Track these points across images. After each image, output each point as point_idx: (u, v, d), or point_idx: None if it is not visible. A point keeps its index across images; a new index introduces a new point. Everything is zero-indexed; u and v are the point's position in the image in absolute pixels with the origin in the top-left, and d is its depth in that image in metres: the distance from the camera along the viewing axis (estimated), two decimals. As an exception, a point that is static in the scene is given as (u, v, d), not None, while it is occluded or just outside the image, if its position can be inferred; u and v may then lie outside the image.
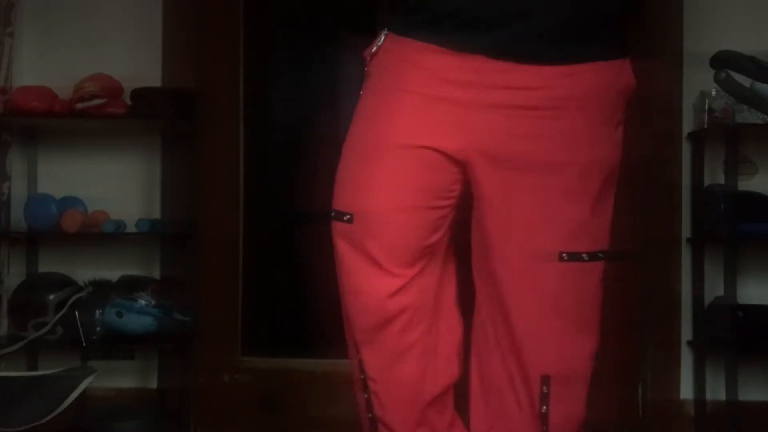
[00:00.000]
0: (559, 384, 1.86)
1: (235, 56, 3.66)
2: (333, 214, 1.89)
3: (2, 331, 3.49)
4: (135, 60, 3.51)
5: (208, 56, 3.59)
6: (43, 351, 3.47)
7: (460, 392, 1.92)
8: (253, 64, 3.70)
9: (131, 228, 3.42)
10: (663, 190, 3.51)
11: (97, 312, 3.32)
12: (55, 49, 3.56)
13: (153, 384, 3.47)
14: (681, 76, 3.47)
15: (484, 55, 1.75)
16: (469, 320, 1.90)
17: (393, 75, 1.82)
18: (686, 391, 3.49)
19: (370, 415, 1.84)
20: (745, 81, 1.97)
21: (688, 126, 3.49)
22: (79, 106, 3.35)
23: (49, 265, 3.55)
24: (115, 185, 3.53)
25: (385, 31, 1.88)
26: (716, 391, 3.38)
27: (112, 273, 3.43)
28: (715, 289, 3.38)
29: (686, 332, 3.50)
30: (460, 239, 1.89)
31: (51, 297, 3.34)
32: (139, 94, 3.40)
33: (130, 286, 3.37)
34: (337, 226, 1.88)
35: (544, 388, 1.84)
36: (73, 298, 3.32)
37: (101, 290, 3.36)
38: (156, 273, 3.41)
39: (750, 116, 3.25)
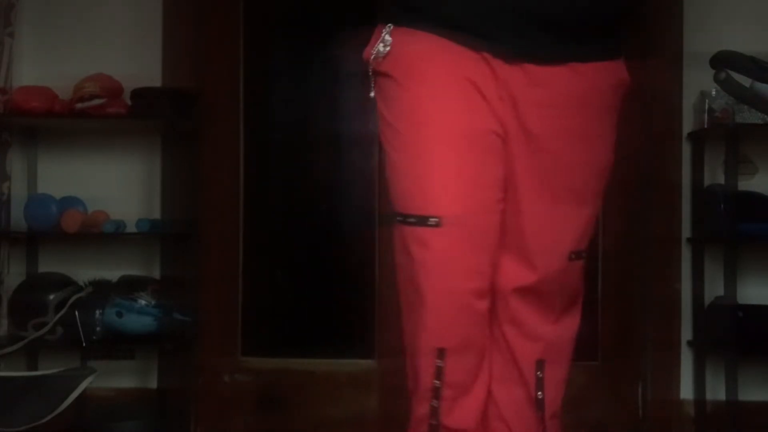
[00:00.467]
0: (551, 368, 1.90)
1: (235, 56, 3.66)
2: (412, 219, 1.77)
3: (2, 331, 3.49)
4: (135, 60, 3.51)
5: (208, 56, 3.59)
6: (43, 351, 3.47)
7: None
8: (253, 64, 3.70)
9: (131, 228, 3.42)
10: (663, 190, 3.51)
11: (97, 312, 3.32)
12: (55, 49, 3.56)
13: (153, 384, 3.47)
14: (681, 76, 3.47)
15: (491, 54, 1.78)
16: None
17: (427, 66, 1.79)
18: (686, 391, 3.49)
19: (434, 422, 1.81)
20: (745, 81, 1.97)
21: (688, 126, 3.49)
22: (79, 106, 3.35)
23: (49, 265, 3.55)
24: (115, 185, 3.53)
25: (390, 27, 1.84)
26: (716, 391, 3.38)
27: (112, 273, 3.43)
28: (715, 289, 3.38)
29: (686, 332, 3.50)
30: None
31: (51, 297, 3.34)
32: (139, 94, 3.40)
33: (130, 286, 3.37)
34: (416, 231, 1.77)
35: (539, 372, 1.87)
36: (73, 298, 3.32)
37: (101, 290, 3.36)
38: (156, 273, 3.41)
39: (750, 116, 3.25)
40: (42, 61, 3.55)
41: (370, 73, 1.87)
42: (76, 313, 3.30)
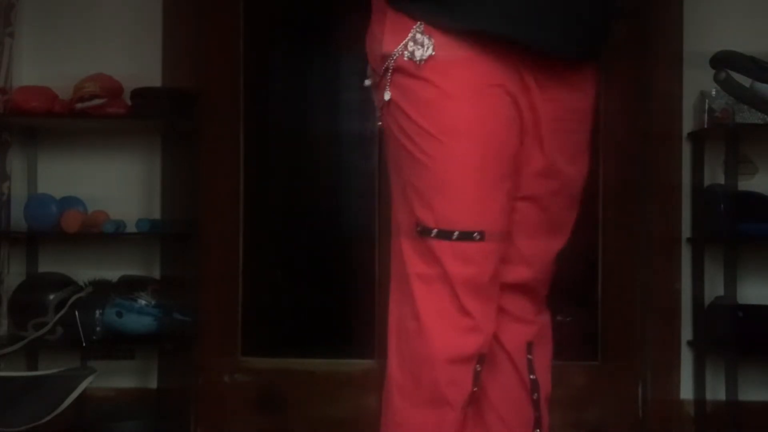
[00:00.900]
0: (539, 350, 1.95)
1: (235, 56, 3.66)
2: (455, 234, 1.71)
3: (2, 331, 3.49)
4: (135, 60, 3.51)
5: (208, 56, 3.59)
6: (43, 351, 3.47)
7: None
8: (253, 64, 3.70)
9: (131, 228, 3.42)
10: (663, 190, 3.51)
11: (97, 312, 3.32)
12: (55, 49, 3.56)
13: (153, 384, 3.47)
14: (681, 76, 3.47)
15: (525, 56, 1.76)
16: None
17: (471, 75, 1.73)
18: (686, 391, 3.49)
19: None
20: (745, 81, 1.97)
21: (688, 126, 3.49)
22: (79, 106, 3.35)
23: (49, 265, 3.55)
24: (115, 185, 3.53)
25: (421, 25, 1.73)
26: (716, 391, 3.38)
27: (112, 273, 3.43)
28: (715, 289, 3.38)
29: (686, 332, 3.50)
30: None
31: (51, 297, 3.34)
32: (139, 94, 3.40)
33: (130, 286, 3.38)
34: (458, 246, 1.72)
35: (529, 355, 1.91)
36: (73, 298, 3.32)
37: (101, 290, 3.36)
38: (156, 273, 3.41)
39: (750, 116, 3.25)
40: (42, 61, 3.55)
41: (389, 70, 1.76)
42: (76, 313, 3.30)
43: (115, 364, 3.42)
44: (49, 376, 3.13)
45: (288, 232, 3.89)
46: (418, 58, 1.72)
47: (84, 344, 3.30)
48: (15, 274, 3.52)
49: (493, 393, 1.86)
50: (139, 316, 3.31)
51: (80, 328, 3.28)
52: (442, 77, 1.73)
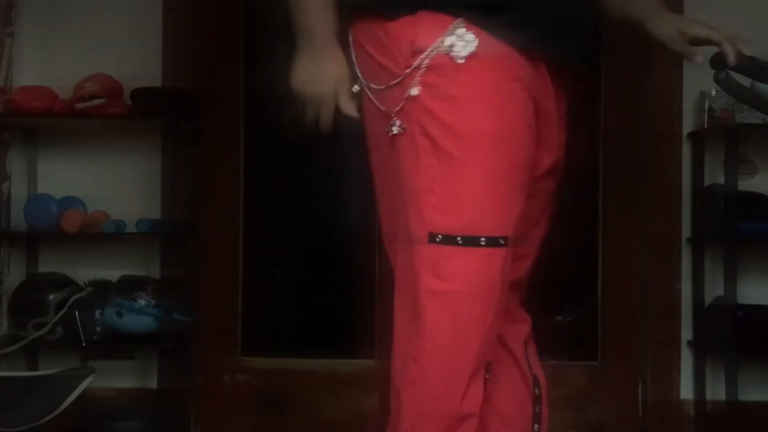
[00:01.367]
0: (531, 344, 1.96)
1: (235, 56, 3.66)
2: (483, 240, 1.67)
3: (2, 331, 3.49)
4: (135, 60, 3.51)
5: (208, 56, 3.59)
6: (43, 351, 3.47)
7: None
8: (253, 64, 3.70)
9: (131, 228, 3.42)
10: (663, 190, 3.51)
11: (97, 312, 3.32)
12: (55, 49, 3.56)
13: (153, 384, 3.47)
14: (681, 76, 3.47)
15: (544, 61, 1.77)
16: None
17: (506, 77, 1.72)
18: (686, 391, 3.49)
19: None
20: (745, 81, 1.97)
21: (688, 126, 3.49)
22: (79, 106, 3.35)
23: (49, 265, 3.55)
24: (115, 185, 3.53)
25: (461, 24, 1.69)
26: (716, 391, 3.38)
27: (112, 273, 3.43)
28: (715, 289, 3.38)
29: (686, 332, 3.50)
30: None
31: (51, 297, 3.34)
32: (139, 94, 3.40)
33: (130, 286, 3.37)
34: (482, 252, 1.68)
35: (526, 352, 1.92)
36: (73, 298, 3.32)
37: (101, 290, 3.36)
38: (156, 273, 3.41)
39: (750, 116, 3.25)
40: (42, 61, 3.55)
41: (421, 68, 1.71)
42: (76, 313, 3.30)
43: (115, 364, 3.42)
44: (49, 376, 3.13)
45: (288, 232, 3.89)
46: (460, 54, 1.68)
47: (84, 344, 3.29)
48: (15, 274, 3.52)
49: (497, 393, 1.84)
50: (139, 316, 3.31)
51: (80, 328, 3.28)
52: (484, 74, 1.69)
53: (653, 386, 3.51)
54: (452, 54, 1.68)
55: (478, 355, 1.70)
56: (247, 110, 3.68)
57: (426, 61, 1.70)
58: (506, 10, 1.70)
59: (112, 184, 3.52)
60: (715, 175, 3.45)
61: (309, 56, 1.79)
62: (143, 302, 3.32)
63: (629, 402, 3.53)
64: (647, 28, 1.86)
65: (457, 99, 1.69)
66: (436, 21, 1.71)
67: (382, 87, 1.78)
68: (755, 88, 1.89)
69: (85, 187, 3.50)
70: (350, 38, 1.86)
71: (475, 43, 1.68)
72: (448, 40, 1.69)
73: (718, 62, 1.89)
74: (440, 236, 1.67)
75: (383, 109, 1.78)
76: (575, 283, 3.69)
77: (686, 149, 3.49)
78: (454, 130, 1.68)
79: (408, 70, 1.71)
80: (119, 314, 3.31)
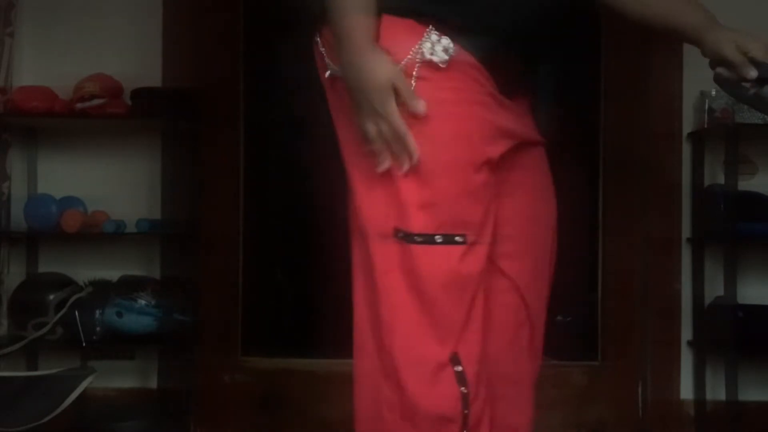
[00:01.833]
0: None
1: (235, 56, 3.66)
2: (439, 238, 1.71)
3: (2, 331, 3.49)
4: (135, 60, 3.51)
5: (208, 56, 3.59)
6: (43, 351, 3.47)
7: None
8: (253, 64, 3.70)
9: (131, 228, 3.42)
10: (663, 190, 3.51)
11: (97, 312, 3.32)
12: (55, 49, 3.56)
13: (153, 384, 3.47)
14: (681, 76, 3.47)
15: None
16: None
17: (470, 82, 1.73)
18: (686, 391, 3.49)
19: (466, 411, 1.77)
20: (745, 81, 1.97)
21: (688, 126, 3.49)
22: (79, 106, 3.35)
23: (49, 265, 3.55)
24: (115, 185, 3.53)
25: (433, 31, 1.70)
26: (716, 391, 3.38)
27: (112, 273, 3.43)
28: (715, 289, 3.38)
29: (686, 332, 3.50)
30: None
31: (51, 297, 3.34)
32: (139, 94, 3.40)
33: (130, 286, 3.37)
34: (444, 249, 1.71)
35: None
36: (73, 298, 3.32)
37: (101, 290, 3.36)
38: (156, 273, 3.41)
39: (750, 116, 3.25)
40: (42, 61, 3.55)
41: (414, 76, 1.70)
42: (76, 313, 3.30)
43: (115, 364, 3.42)
44: (49, 376, 3.13)
45: (288, 232, 3.89)
46: (442, 60, 1.69)
47: (84, 344, 3.29)
48: (15, 274, 3.53)
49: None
50: (139, 316, 3.31)
51: (80, 328, 3.28)
52: (455, 83, 1.71)
53: (653, 386, 3.51)
54: (433, 59, 1.70)
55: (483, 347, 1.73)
56: (247, 110, 3.68)
57: (415, 69, 1.70)
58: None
59: (112, 184, 3.52)
60: (715, 175, 3.45)
61: (355, 60, 1.70)
62: (143, 302, 3.32)
63: (629, 402, 3.53)
64: (704, 47, 1.80)
65: (438, 102, 1.70)
66: (407, 26, 1.71)
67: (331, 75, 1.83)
68: (755, 88, 1.89)
69: (85, 187, 3.50)
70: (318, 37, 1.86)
71: (452, 44, 1.70)
72: (439, 49, 1.70)
73: (718, 62, 1.89)
74: (402, 233, 1.71)
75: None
76: (575, 283, 3.69)
77: (686, 149, 3.49)
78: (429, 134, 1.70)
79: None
80: (119, 314, 3.31)
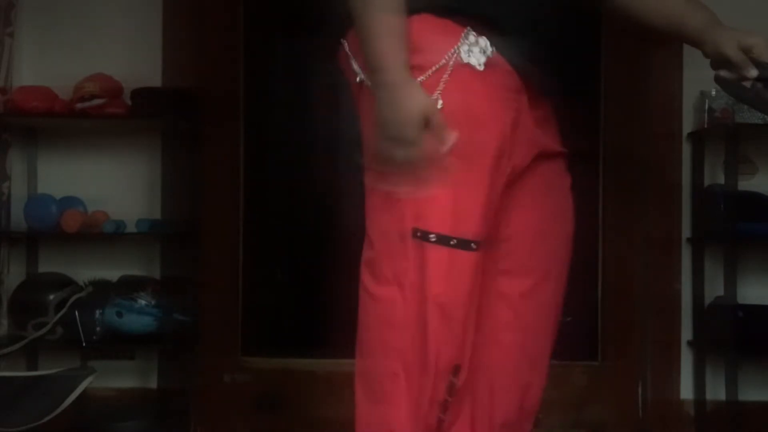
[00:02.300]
0: None
1: (235, 56, 3.66)
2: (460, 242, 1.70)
3: (2, 331, 3.49)
4: (135, 60, 3.51)
5: (208, 56, 3.59)
6: (43, 351, 3.47)
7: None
8: (253, 64, 3.70)
9: (131, 228, 3.42)
10: (663, 190, 3.51)
11: (97, 312, 3.32)
12: (55, 49, 3.56)
13: (153, 384, 3.47)
14: (681, 76, 3.47)
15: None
16: None
17: (497, 85, 1.71)
18: (686, 391, 3.49)
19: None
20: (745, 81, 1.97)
21: (688, 126, 3.49)
22: (79, 106, 3.35)
23: (49, 265, 3.55)
24: (115, 185, 3.53)
25: (471, 32, 1.68)
26: (716, 391, 3.38)
27: (112, 273, 3.44)
28: (715, 289, 3.38)
29: (686, 332, 3.50)
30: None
31: (51, 297, 3.34)
32: (139, 94, 3.40)
33: (130, 286, 3.38)
34: (461, 254, 1.71)
35: None
36: (73, 298, 3.32)
37: (101, 290, 3.36)
38: (156, 273, 3.41)
39: (750, 116, 3.25)
40: (42, 61, 3.55)
41: (447, 72, 1.68)
42: (76, 313, 3.30)
43: (115, 364, 3.42)
44: (49, 376, 3.13)
45: (288, 232, 3.89)
46: (480, 62, 1.68)
47: (84, 344, 3.30)
48: (15, 274, 3.53)
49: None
50: (139, 316, 3.31)
51: (80, 328, 3.28)
52: (495, 83, 1.69)
53: (653, 386, 3.51)
54: (471, 61, 1.67)
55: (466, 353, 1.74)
56: (247, 110, 3.68)
57: (448, 73, 1.67)
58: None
59: (112, 184, 3.52)
60: (715, 175, 3.45)
61: (388, 88, 1.64)
62: (143, 302, 3.32)
63: (629, 402, 3.53)
64: (706, 48, 1.79)
65: (473, 113, 1.68)
66: (444, 26, 1.69)
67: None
68: (755, 88, 1.89)
69: (85, 187, 3.50)
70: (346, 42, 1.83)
71: (491, 46, 1.67)
72: (477, 50, 1.68)
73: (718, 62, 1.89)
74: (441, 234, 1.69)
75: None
76: (575, 283, 3.69)
77: (686, 149, 3.49)
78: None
79: (423, 77, 1.67)
80: (119, 314, 3.31)
